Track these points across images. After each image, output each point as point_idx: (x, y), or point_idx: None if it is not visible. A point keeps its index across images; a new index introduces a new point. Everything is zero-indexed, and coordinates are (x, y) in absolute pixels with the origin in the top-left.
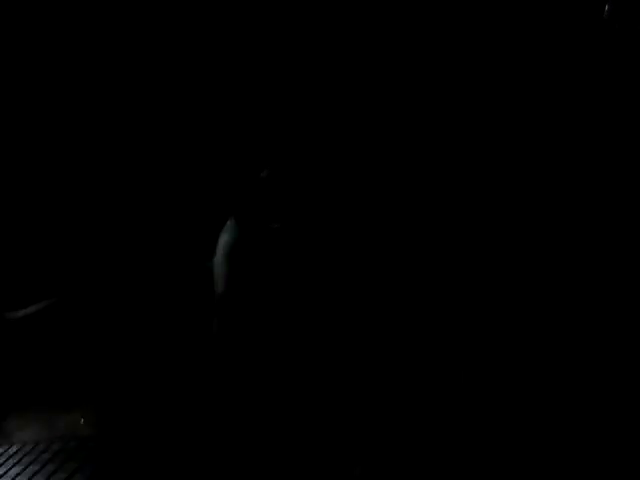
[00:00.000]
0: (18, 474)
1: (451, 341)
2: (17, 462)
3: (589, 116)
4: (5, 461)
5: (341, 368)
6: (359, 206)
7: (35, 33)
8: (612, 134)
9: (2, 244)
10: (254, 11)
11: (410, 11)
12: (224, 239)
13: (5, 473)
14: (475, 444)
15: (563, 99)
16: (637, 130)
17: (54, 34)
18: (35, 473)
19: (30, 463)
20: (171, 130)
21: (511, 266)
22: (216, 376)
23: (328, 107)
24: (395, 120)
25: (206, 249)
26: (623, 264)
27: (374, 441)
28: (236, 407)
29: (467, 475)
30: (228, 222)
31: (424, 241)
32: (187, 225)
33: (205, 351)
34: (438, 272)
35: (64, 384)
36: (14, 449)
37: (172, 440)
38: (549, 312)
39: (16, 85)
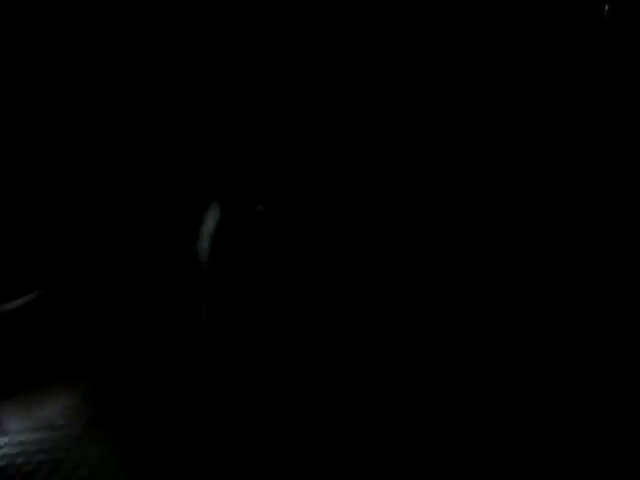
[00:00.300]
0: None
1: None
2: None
3: (589, 116)
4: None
5: (330, 352)
6: (343, 188)
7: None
8: (612, 133)
9: None
10: None
11: (408, 9)
12: (208, 222)
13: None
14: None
15: (563, 99)
16: (637, 130)
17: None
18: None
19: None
20: (153, 114)
21: (509, 265)
22: (206, 362)
23: (313, 90)
24: (379, 105)
25: (191, 233)
26: (623, 263)
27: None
28: (228, 393)
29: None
30: (212, 205)
31: (408, 227)
32: (171, 209)
33: (195, 337)
34: (419, 256)
35: (52, 374)
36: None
37: (164, 429)
38: (548, 311)
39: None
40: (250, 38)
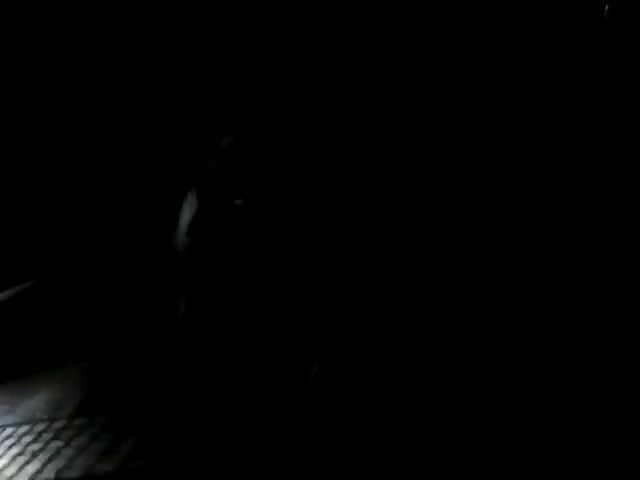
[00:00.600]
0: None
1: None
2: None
3: (589, 115)
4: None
5: (301, 337)
6: (321, 181)
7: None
8: (612, 133)
9: None
10: None
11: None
12: (185, 214)
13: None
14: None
15: (563, 99)
16: (637, 129)
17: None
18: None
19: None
20: (130, 110)
21: (509, 265)
22: (185, 352)
23: (291, 82)
24: (357, 98)
25: (169, 225)
26: (622, 262)
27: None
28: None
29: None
30: (189, 197)
31: (386, 219)
32: (149, 201)
33: (174, 327)
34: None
35: (37, 365)
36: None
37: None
38: (548, 311)
39: None
40: (228, 32)
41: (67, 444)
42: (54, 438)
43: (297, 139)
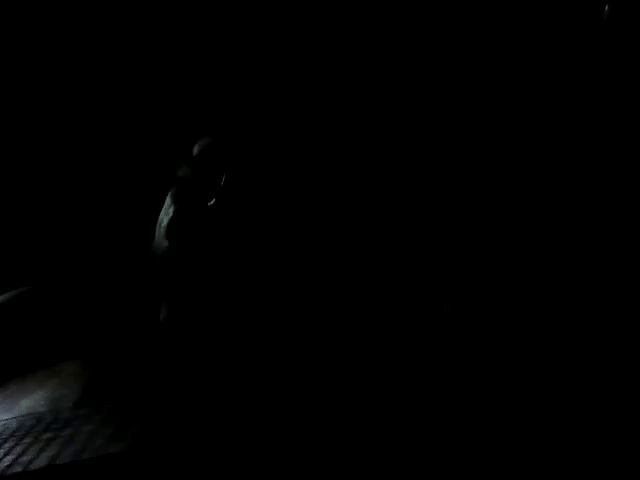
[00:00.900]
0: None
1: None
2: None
3: (589, 115)
4: None
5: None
6: (289, 181)
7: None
8: (612, 133)
9: None
10: None
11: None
12: (163, 219)
13: None
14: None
15: (563, 98)
16: (637, 129)
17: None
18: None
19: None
20: (105, 122)
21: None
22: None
23: (257, 84)
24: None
25: (147, 231)
26: (622, 262)
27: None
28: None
29: None
30: (166, 202)
31: (359, 219)
32: (126, 209)
33: (156, 329)
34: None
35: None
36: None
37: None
38: (547, 310)
39: None
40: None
41: (78, 431)
42: (65, 426)
43: (268, 140)
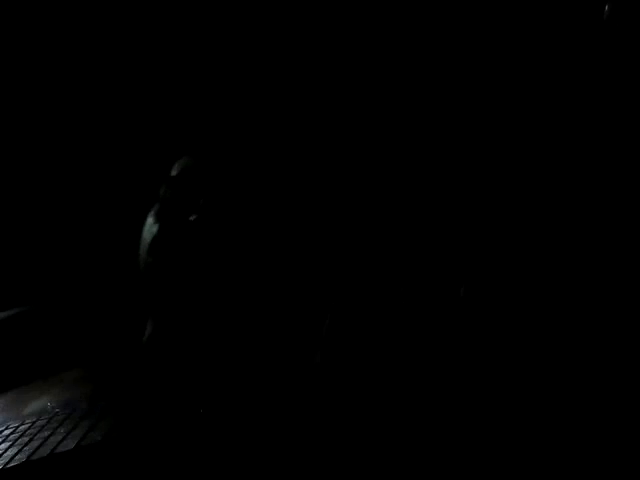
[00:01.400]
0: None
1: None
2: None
3: (589, 116)
4: None
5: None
6: (272, 195)
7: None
8: (612, 134)
9: None
10: None
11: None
12: (146, 236)
13: None
14: None
15: (563, 99)
16: (637, 130)
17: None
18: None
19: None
20: (88, 136)
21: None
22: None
23: (239, 98)
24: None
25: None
26: (622, 262)
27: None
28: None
29: None
30: (148, 220)
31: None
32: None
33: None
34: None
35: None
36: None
37: None
38: (547, 311)
39: None
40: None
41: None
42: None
43: (248, 157)
